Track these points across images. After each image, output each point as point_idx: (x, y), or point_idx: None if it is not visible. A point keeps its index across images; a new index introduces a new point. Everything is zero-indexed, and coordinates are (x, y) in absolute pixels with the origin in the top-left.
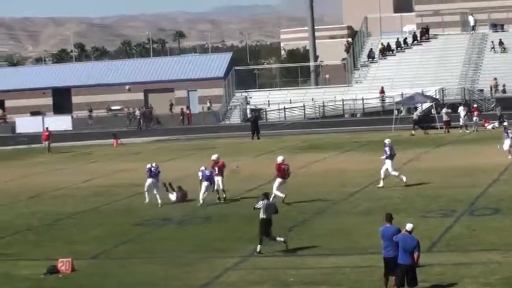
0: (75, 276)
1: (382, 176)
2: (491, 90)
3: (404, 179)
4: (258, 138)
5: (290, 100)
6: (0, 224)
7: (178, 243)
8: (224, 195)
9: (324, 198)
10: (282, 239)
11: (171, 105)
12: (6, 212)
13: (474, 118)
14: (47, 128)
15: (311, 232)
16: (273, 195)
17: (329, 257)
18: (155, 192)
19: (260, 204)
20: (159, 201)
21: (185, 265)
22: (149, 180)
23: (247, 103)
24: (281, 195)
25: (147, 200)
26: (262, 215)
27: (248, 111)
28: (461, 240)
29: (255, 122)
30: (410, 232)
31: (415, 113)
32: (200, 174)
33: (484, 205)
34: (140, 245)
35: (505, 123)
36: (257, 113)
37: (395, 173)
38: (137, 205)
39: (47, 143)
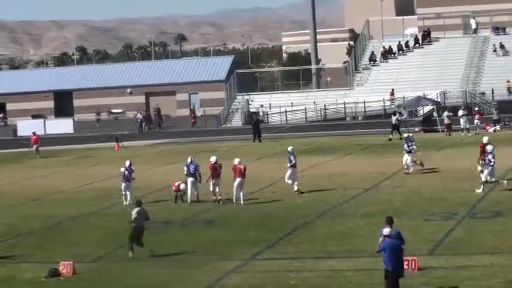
0: (76, 279)
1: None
2: (492, 93)
3: (295, 188)
4: (260, 141)
5: (292, 103)
6: (1, 227)
7: (180, 246)
8: (215, 198)
9: (325, 201)
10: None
11: (158, 109)
12: (7, 214)
13: (475, 121)
14: (34, 132)
15: (312, 235)
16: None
17: (330, 259)
18: (128, 193)
19: (134, 213)
20: (126, 202)
21: (187, 268)
22: (123, 184)
23: (261, 105)
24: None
25: (125, 203)
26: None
27: (261, 112)
28: (463, 243)
29: (256, 124)
30: (389, 236)
31: (394, 118)
32: (185, 168)
33: (486, 208)
34: (141, 248)
35: (406, 135)
36: (258, 115)
37: (290, 182)
38: None
39: (35, 146)
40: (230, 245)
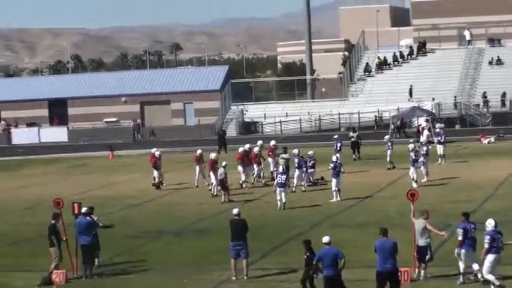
0: None
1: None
2: (484, 104)
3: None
4: (225, 152)
5: (286, 113)
6: None
7: (173, 255)
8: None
9: (320, 211)
10: None
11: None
12: (0, 223)
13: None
14: None
15: None
16: None
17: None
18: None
19: None
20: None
21: (179, 278)
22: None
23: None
24: None
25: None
26: None
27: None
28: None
29: (222, 136)
30: (328, 244)
31: (352, 134)
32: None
33: (479, 219)
34: (135, 257)
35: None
36: (222, 127)
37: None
38: (132, 217)
39: None
40: (224, 254)
